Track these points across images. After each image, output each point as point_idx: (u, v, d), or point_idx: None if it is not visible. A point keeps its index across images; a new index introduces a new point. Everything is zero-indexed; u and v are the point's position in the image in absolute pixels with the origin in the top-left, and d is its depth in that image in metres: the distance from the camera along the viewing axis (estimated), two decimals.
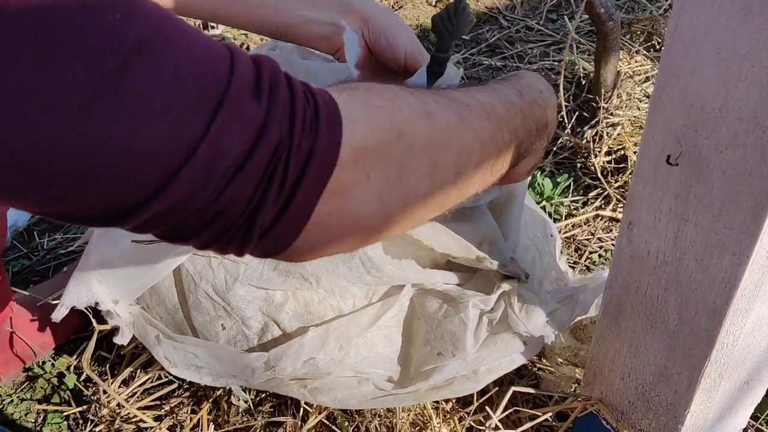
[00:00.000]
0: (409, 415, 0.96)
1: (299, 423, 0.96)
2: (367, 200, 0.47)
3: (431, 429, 0.94)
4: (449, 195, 0.55)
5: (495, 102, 0.59)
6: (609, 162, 1.43)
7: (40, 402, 1.08)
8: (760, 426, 0.95)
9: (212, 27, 2.10)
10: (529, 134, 0.64)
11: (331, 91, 0.47)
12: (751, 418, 0.87)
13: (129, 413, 1.01)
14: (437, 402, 0.98)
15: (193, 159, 0.39)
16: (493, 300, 0.81)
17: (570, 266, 1.21)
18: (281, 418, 0.98)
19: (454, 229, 0.80)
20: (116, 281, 0.83)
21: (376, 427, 0.96)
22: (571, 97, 1.56)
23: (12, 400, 1.07)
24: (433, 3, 2.20)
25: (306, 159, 0.43)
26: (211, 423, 0.99)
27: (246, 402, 1.00)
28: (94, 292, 0.83)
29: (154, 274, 0.82)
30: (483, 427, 0.93)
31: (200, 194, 0.40)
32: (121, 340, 0.87)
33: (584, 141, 1.44)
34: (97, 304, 0.85)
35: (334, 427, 0.96)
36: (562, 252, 1.04)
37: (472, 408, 0.95)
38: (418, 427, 0.96)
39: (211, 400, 1.01)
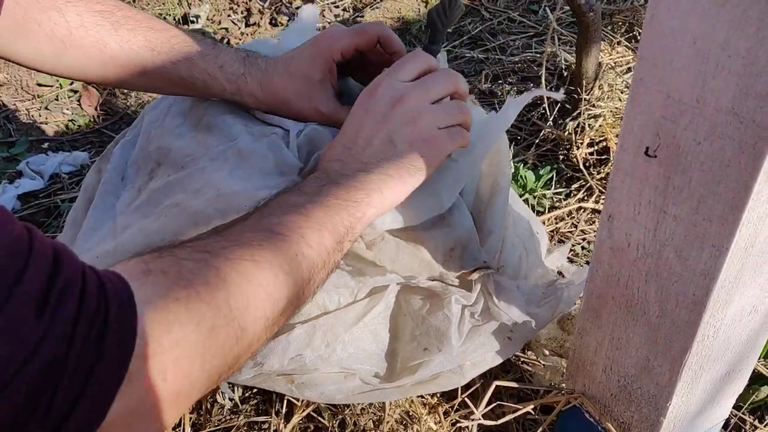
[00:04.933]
0: (395, 411, 0.95)
1: (281, 422, 0.96)
2: (163, 406, 0.44)
3: (419, 424, 0.94)
4: (260, 343, 0.54)
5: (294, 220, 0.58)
6: (591, 154, 1.43)
7: None
8: (742, 415, 0.95)
9: (192, 22, 2.08)
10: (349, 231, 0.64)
11: (132, 282, 0.44)
12: (733, 407, 0.87)
13: None
14: (422, 397, 0.97)
15: None
16: (474, 295, 0.80)
17: (569, 260, 1.21)
18: (263, 418, 0.97)
19: (426, 236, 0.80)
20: None
21: (360, 422, 0.95)
22: (553, 89, 1.55)
23: None
24: None
25: (83, 380, 0.39)
26: (193, 422, 0.98)
27: (231, 400, 0.99)
28: None
29: None
30: (468, 422, 0.93)
31: None
32: None
33: (566, 133, 1.44)
34: None
35: (319, 418, 0.96)
36: (550, 248, 1.04)
37: (457, 402, 0.95)
38: (405, 422, 0.95)
39: None
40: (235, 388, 1.00)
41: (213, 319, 0.47)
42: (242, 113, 0.86)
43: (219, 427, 0.97)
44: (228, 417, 0.99)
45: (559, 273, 1.04)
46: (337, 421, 0.96)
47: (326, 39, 0.81)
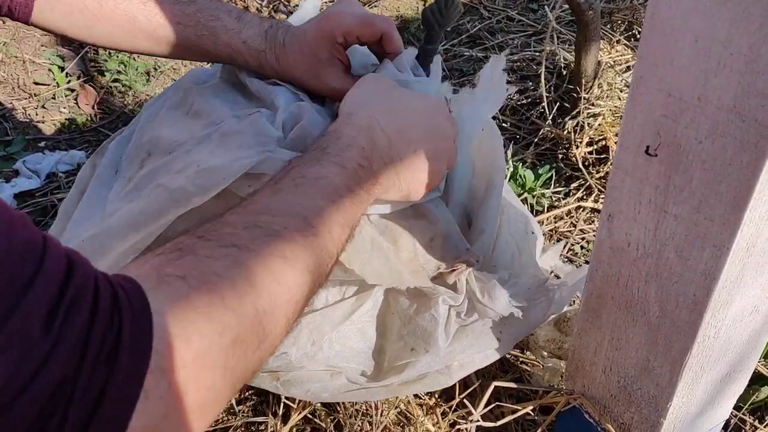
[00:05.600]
0: (390, 412, 0.95)
1: (279, 423, 0.95)
2: (188, 420, 0.42)
3: (415, 425, 0.94)
4: (279, 342, 0.51)
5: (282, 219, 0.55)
6: (590, 153, 1.42)
7: None
8: (743, 416, 0.95)
9: None
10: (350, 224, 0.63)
11: (148, 291, 0.41)
12: (734, 408, 0.87)
13: None
14: (419, 397, 0.97)
15: None
16: (462, 296, 0.80)
17: (569, 260, 1.20)
18: (261, 419, 0.96)
19: (405, 226, 0.79)
20: None
21: (358, 424, 0.95)
22: (552, 88, 1.55)
23: None
24: None
25: (96, 400, 0.36)
26: None
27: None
28: None
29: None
30: (466, 422, 0.92)
31: None
32: None
33: (565, 132, 1.43)
34: None
35: (317, 420, 0.95)
36: (545, 247, 1.03)
37: (455, 403, 0.95)
38: (402, 423, 0.95)
39: None
40: None
41: (237, 327, 0.45)
42: (231, 97, 0.87)
43: (216, 428, 0.97)
44: (225, 418, 0.98)
45: (556, 276, 1.03)
46: (333, 423, 0.95)
47: (332, 19, 0.81)
